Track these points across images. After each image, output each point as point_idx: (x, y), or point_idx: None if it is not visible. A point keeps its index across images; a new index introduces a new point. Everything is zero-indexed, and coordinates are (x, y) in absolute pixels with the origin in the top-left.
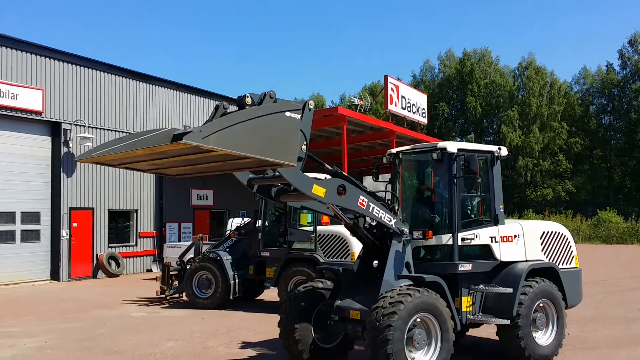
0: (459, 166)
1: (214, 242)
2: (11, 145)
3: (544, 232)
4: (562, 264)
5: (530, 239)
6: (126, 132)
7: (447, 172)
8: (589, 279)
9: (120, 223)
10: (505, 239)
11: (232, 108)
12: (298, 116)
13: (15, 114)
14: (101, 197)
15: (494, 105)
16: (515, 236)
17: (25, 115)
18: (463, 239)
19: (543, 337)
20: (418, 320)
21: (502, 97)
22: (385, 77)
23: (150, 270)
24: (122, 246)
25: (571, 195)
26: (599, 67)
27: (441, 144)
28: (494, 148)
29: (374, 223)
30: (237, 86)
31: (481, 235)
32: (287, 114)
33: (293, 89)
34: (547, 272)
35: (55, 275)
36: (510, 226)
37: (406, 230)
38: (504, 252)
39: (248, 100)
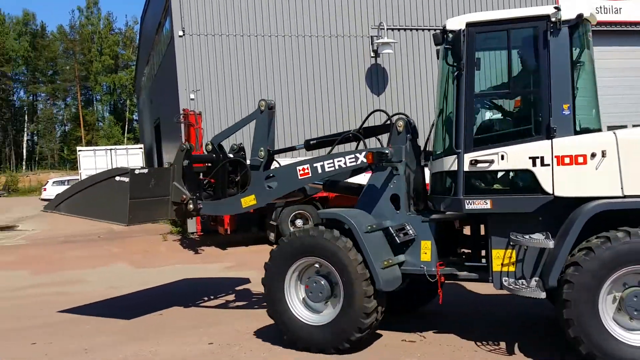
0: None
1: None
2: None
3: None
4: None
5: (635, 159)
6: None
7: (454, 61)
8: None
9: None
10: (565, 161)
11: None
12: (126, 179)
13: (617, 28)
14: None
15: None
16: (592, 155)
17: (626, 28)
18: (473, 162)
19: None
20: (315, 265)
21: None
22: None
23: None
24: None
25: None
26: None
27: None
28: (546, 10)
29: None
30: None
31: (511, 156)
32: (117, 178)
33: None
34: None
35: None
36: (586, 138)
37: (389, 151)
38: (561, 182)
39: None
